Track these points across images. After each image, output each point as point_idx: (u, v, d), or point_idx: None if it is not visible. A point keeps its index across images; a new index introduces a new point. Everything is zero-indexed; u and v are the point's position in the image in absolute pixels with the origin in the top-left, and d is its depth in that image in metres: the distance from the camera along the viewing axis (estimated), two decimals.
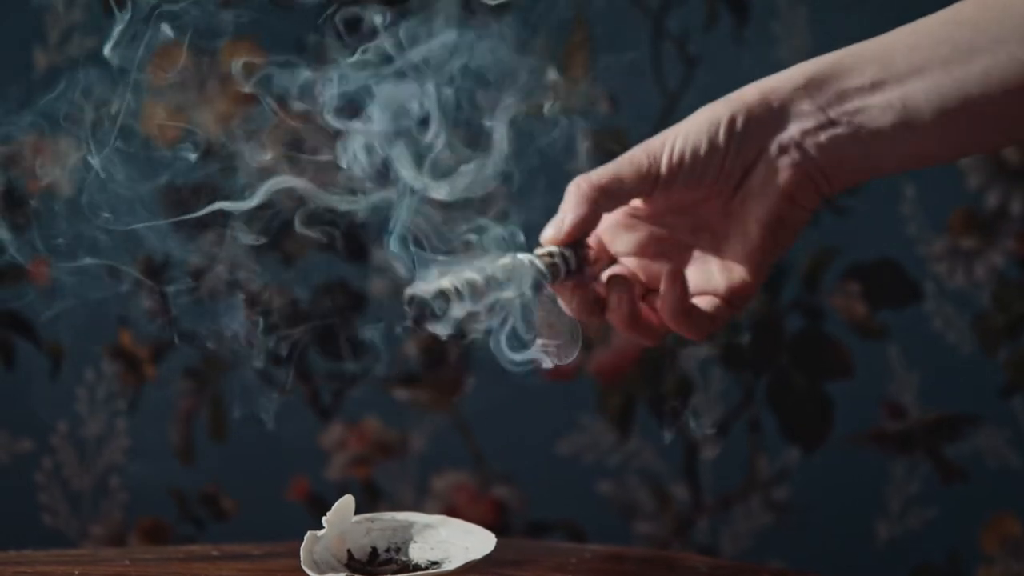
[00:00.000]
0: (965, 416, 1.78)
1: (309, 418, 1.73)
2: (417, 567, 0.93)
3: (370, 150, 1.01)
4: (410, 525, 0.95)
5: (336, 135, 1.00)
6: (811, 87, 0.93)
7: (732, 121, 0.93)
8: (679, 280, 0.93)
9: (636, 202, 0.96)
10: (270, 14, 1.07)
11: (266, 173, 1.00)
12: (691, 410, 1.00)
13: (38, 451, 1.71)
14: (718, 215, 0.95)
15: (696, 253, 0.96)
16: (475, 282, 0.92)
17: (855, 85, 0.93)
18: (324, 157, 1.00)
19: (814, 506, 1.78)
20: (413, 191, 0.99)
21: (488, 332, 0.94)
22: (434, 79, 1.01)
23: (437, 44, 1.00)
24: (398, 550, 0.94)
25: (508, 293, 0.92)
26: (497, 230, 0.96)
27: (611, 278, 0.95)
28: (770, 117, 0.92)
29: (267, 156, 1.04)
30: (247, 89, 1.02)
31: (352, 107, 1.02)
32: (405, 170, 0.99)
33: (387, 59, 1.02)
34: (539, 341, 0.94)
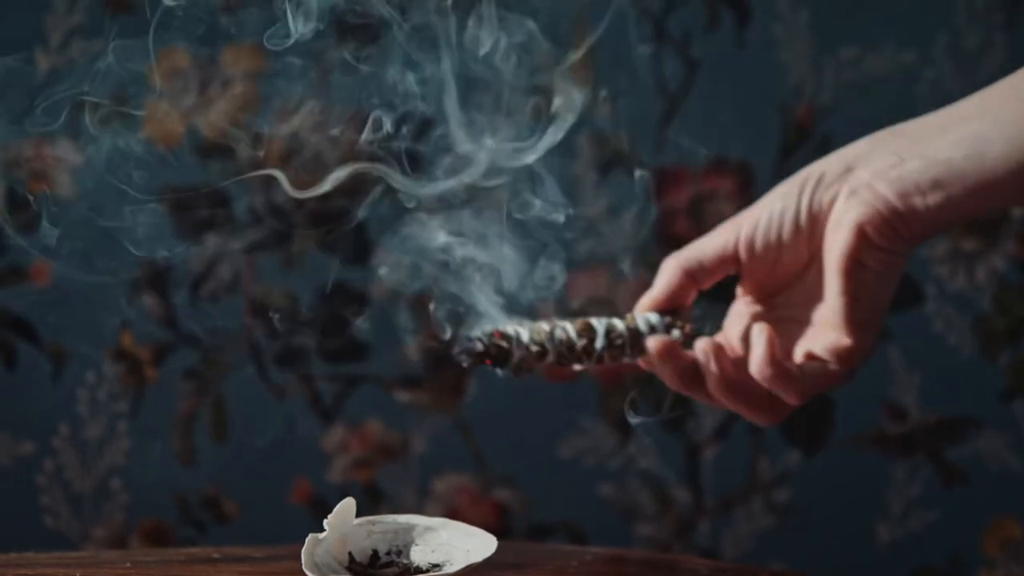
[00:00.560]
0: (966, 419, 1.78)
1: (310, 420, 1.73)
2: (418, 570, 0.93)
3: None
4: (411, 528, 0.95)
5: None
6: (890, 139, 0.94)
7: (805, 180, 0.95)
8: (764, 335, 0.93)
9: (740, 290, 0.98)
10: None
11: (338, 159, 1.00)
12: (632, 401, 0.99)
13: (39, 453, 1.71)
14: (815, 282, 0.95)
15: (802, 325, 0.96)
16: (538, 327, 0.93)
17: (924, 130, 0.93)
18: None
19: (815, 508, 1.78)
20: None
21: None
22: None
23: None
24: (399, 553, 0.94)
25: (568, 340, 0.93)
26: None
27: (701, 346, 0.95)
28: (842, 169, 0.94)
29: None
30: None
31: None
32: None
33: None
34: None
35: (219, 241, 1.70)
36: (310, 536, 0.91)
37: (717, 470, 1.77)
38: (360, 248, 1.71)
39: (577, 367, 0.97)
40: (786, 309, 0.98)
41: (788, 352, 0.94)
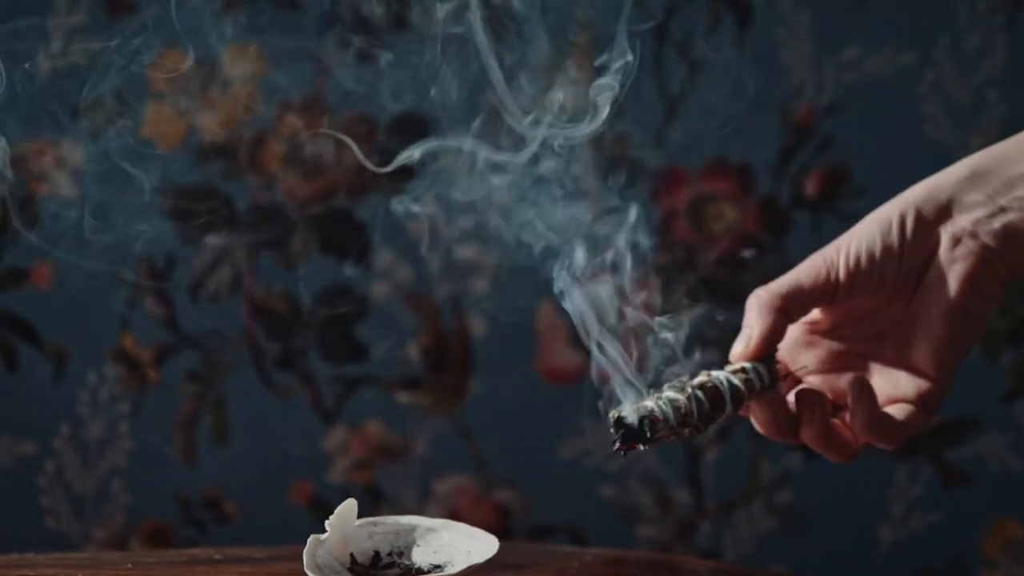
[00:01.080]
0: (968, 420, 1.78)
1: (312, 422, 1.73)
2: (420, 571, 0.93)
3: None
4: (413, 529, 0.95)
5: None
6: (976, 178, 0.93)
7: (902, 219, 0.94)
8: (866, 391, 0.92)
9: (815, 315, 0.97)
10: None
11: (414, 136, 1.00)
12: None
13: (40, 454, 1.71)
14: (899, 319, 0.95)
15: (880, 362, 0.96)
16: (678, 402, 0.92)
17: (1009, 168, 0.93)
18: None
19: (816, 510, 1.78)
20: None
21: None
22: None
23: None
24: (401, 554, 0.94)
25: (706, 410, 0.92)
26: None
27: (801, 395, 0.94)
28: (939, 211, 0.93)
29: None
30: None
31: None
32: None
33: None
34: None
35: (220, 242, 1.70)
36: (312, 537, 0.91)
37: (718, 472, 1.77)
38: (361, 248, 1.71)
39: (708, 428, 0.96)
40: (858, 343, 0.97)
41: (877, 397, 0.94)
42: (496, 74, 0.96)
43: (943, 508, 1.78)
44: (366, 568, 0.93)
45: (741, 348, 0.94)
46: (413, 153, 1.01)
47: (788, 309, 0.94)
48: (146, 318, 1.70)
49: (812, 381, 0.97)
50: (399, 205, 1.07)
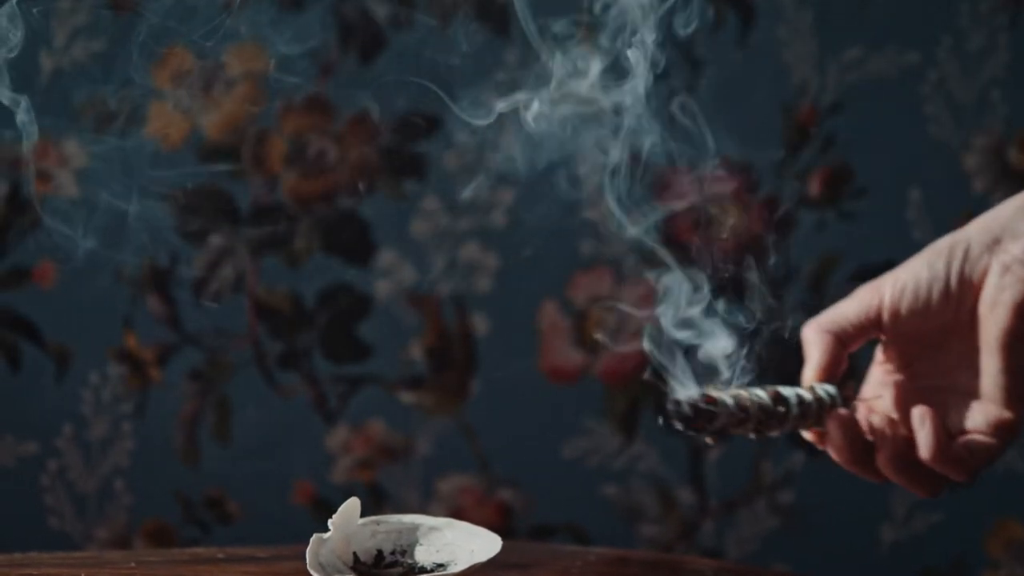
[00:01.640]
0: None
1: (314, 421, 1.73)
2: (423, 570, 0.93)
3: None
4: (416, 528, 0.95)
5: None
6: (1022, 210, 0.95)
7: (952, 249, 0.96)
8: (927, 419, 0.94)
9: (885, 354, 0.99)
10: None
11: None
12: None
13: (43, 454, 1.71)
14: (963, 350, 0.97)
15: (952, 395, 0.97)
16: (740, 396, 0.93)
17: None
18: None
19: (819, 510, 1.78)
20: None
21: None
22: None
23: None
24: (404, 553, 0.94)
25: (768, 409, 0.94)
26: None
27: (880, 422, 0.96)
28: (991, 240, 0.95)
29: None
30: None
31: None
32: None
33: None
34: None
35: (223, 241, 1.70)
36: (315, 536, 0.91)
37: (721, 471, 1.77)
38: (364, 248, 1.71)
39: (772, 434, 0.97)
40: (930, 378, 0.99)
41: (950, 429, 0.96)
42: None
43: (946, 508, 1.78)
44: (369, 567, 0.93)
45: (807, 374, 0.99)
46: (505, 105, 1.02)
47: (838, 335, 0.98)
48: (148, 317, 1.70)
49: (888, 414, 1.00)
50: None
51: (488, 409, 1.74)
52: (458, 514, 1.72)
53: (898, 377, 1.00)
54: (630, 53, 0.99)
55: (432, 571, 0.92)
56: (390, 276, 1.72)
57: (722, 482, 1.77)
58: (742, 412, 0.93)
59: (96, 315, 1.70)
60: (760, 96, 1.72)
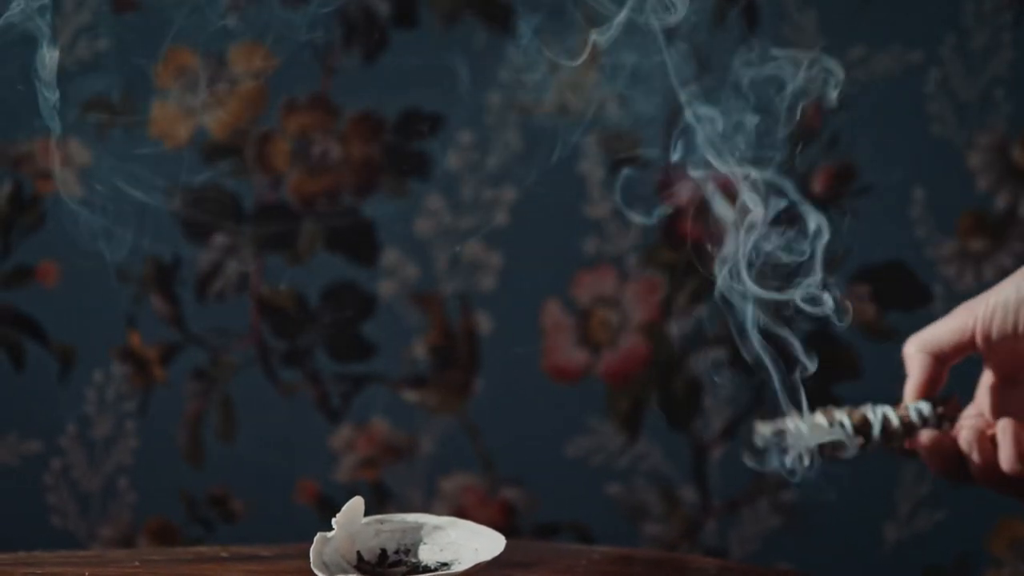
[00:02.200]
0: None
1: (318, 420, 1.73)
2: (427, 568, 0.93)
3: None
4: (419, 527, 0.95)
5: None
6: None
7: None
8: (1008, 428, 0.99)
9: (989, 376, 1.04)
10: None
11: None
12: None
13: (47, 452, 1.72)
14: None
15: None
16: (819, 426, 0.97)
17: None
18: None
19: (822, 508, 1.77)
20: None
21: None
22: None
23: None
24: (407, 551, 0.94)
25: (849, 435, 0.99)
26: None
27: (969, 437, 1.01)
28: None
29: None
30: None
31: None
32: None
33: None
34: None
35: (226, 240, 1.70)
36: (318, 535, 0.91)
37: (724, 470, 1.77)
38: (368, 246, 1.71)
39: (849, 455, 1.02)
40: None
41: None
42: None
43: (949, 506, 1.78)
44: (373, 566, 0.93)
45: (907, 391, 1.05)
46: (598, 38, 1.06)
47: (936, 355, 1.04)
48: (152, 316, 1.70)
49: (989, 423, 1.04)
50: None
51: (492, 408, 1.74)
52: (462, 513, 1.72)
53: (998, 393, 1.04)
54: None
55: (436, 570, 0.92)
56: (393, 275, 1.72)
57: (725, 481, 1.77)
58: (819, 446, 0.98)
59: (100, 314, 1.70)
60: (763, 95, 1.72)
